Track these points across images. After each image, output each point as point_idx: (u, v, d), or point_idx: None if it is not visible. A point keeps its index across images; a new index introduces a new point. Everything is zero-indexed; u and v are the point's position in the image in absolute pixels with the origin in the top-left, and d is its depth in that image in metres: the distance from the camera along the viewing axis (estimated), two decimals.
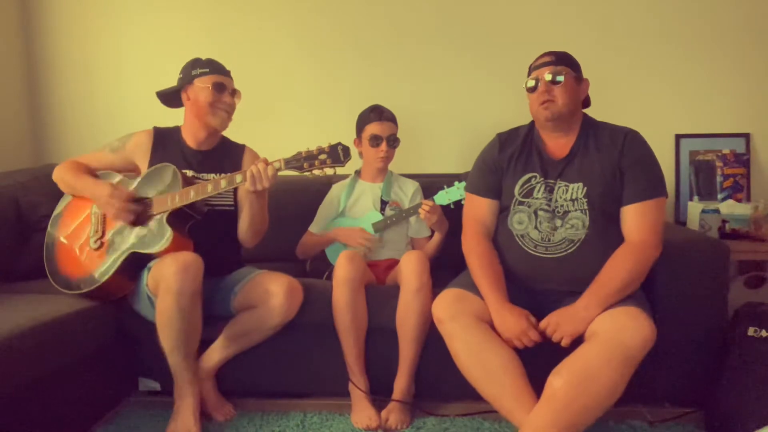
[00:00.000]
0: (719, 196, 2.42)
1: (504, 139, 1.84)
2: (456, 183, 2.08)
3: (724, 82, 2.51)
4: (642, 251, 1.60)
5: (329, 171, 1.74)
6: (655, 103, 2.55)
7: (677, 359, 1.77)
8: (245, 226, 1.92)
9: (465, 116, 2.63)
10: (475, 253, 1.73)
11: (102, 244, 1.85)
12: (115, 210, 1.81)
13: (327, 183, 2.31)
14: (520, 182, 1.75)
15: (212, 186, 1.76)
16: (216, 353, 1.85)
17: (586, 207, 1.66)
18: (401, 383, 1.83)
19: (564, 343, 1.53)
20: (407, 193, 2.25)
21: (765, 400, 1.58)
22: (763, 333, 1.66)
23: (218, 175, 1.97)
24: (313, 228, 2.24)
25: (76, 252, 1.89)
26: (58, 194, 2.01)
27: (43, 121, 2.77)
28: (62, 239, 1.94)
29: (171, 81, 2.00)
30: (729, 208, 2.26)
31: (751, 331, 1.68)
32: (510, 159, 1.78)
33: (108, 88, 2.74)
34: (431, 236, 2.18)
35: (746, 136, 2.51)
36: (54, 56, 2.74)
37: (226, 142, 2.07)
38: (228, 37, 2.66)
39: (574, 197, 1.68)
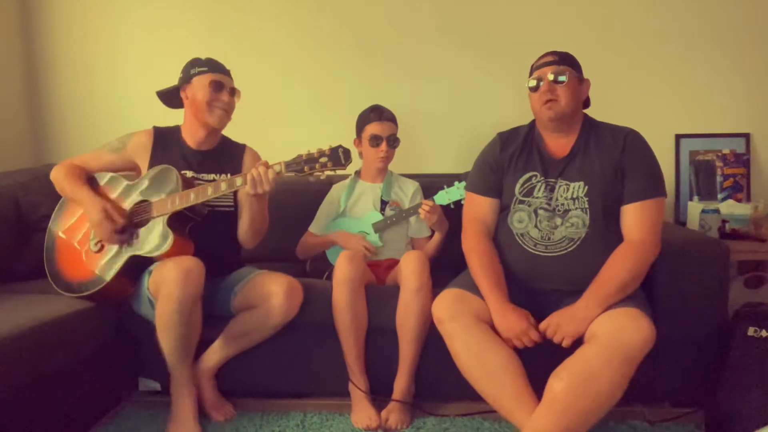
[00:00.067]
0: (719, 196, 2.42)
1: (505, 138, 1.84)
2: (456, 183, 2.08)
3: (724, 82, 2.51)
4: (642, 251, 1.60)
5: (329, 173, 1.74)
6: (655, 103, 2.55)
7: (677, 359, 1.77)
8: (245, 228, 1.92)
9: (465, 116, 2.63)
10: (475, 252, 1.73)
11: (102, 246, 1.85)
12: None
13: (327, 183, 2.31)
14: (521, 181, 1.75)
15: (212, 189, 1.75)
16: (216, 353, 1.85)
17: (586, 206, 1.66)
18: (401, 383, 1.83)
19: (565, 343, 1.53)
20: (407, 193, 2.25)
21: (765, 400, 1.58)
22: (763, 333, 1.66)
23: (218, 175, 1.97)
24: (314, 228, 2.24)
25: (77, 253, 1.88)
26: (58, 194, 2.00)
27: (43, 121, 2.77)
28: (61, 234, 1.94)
29: (171, 81, 2.01)
30: (729, 208, 2.26)
31: (751, 331, 1.68)
32: (511, 158, 1.79)
33: (108, 88, 2.73)
34: (431, 236, 2.18)
35: (746, 136, 2.51)
36: (54, 56, 2.74)
37: (226, 142, 2.07)
38: (228, 37, 2.66)
39: (575, 196, 1.68)
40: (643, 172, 1.65)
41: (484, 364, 1.55)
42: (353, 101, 2.43)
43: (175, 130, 2.02)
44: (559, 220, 1.68)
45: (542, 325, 1.58)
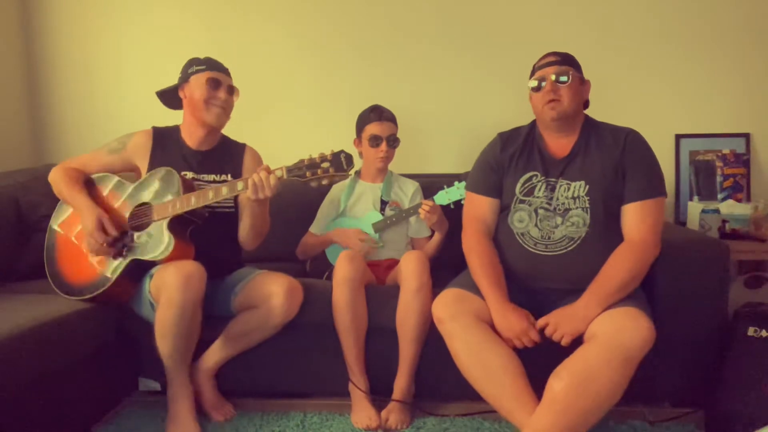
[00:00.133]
0: (719, 196, 2.41)
1: (505, 138, 1.84)
2: (456, 183, 2.08)
3: (724, 82, 2.51)
4: (642, 250, 1.60)
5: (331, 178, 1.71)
6: (655, 103, 2.55)
7: (677, 359, 1.77)
8: (246, 230, 1.92)
9: (465, 116, 2.63)
10: (475, 252, 1.73)
11: None
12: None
13: (327, 184, 2.30)
14: (521, 181, 1.75)
15: (213, 193, 1.74)
16: (216, 353, 1.85)
17: (587, 205, 1.66)
18: (401, 383, 1.83)
19: (564, 342, 1.53)
20: (407, 193, 2.25)
21: (765, 400, 1.58)
22: (763, 333, 1.66)
23: (218, 175, 1.96)
24: (314, 228, 2.24)
25: (79, 253, 1.88)
26: None
27: (43, 121, 2.77)
28: (58, 230, 1.94)
29: (171, 81, 2.00)
30: (729, 208, 2.26)
31: (751, 331, 1.68)
32: (511, 158, 1.79)
33: (108, 88, 2.74)
34: (431, 236, 2.18)
35: (746, 136, 2.51)
36: (54, 56, 2.74)
37: (226, 142, 2.06)
38: (228, 37, 2.66)
39: (575, 195, 1.68)
40: (643, 171, 1.65)
41: (484, 363, 1.55)
42: (353, 101, 2.43)
43: (175, 131, 2.01)
44: (559, 219, 1.68)
45: (541, 322, 1.58)
